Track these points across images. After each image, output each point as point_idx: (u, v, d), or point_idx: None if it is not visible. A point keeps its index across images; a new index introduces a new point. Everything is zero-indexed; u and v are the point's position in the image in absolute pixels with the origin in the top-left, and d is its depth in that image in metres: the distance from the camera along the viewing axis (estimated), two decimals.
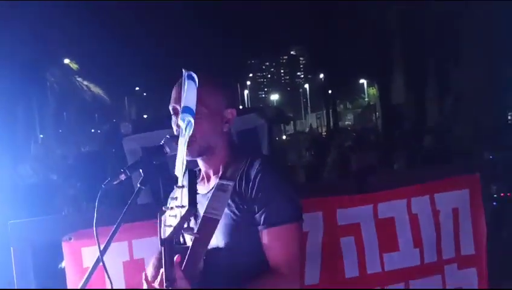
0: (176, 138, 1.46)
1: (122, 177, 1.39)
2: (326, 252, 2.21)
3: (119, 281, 1.96)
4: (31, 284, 2.01)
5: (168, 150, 1.46)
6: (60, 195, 7.25)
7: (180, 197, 1.34)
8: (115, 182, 1.39)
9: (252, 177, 1.49)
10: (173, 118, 1.53)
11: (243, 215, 1.49)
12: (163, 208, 1.39)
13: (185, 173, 1.37)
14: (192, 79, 1.43)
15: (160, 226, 1.38)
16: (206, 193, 1.56)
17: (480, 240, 2.39)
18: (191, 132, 1.40)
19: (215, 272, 1.48)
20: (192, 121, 1.39)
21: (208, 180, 1.60)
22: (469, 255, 2.38)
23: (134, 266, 1.99)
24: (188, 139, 1.40)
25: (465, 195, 2.38)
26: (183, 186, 1.34)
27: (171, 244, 1.34)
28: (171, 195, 1.44)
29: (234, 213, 1.50)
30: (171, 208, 1.36)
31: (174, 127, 1.53)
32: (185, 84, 1.42)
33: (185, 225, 1.33)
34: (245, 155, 1.57)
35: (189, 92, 1.40)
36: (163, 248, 1.33)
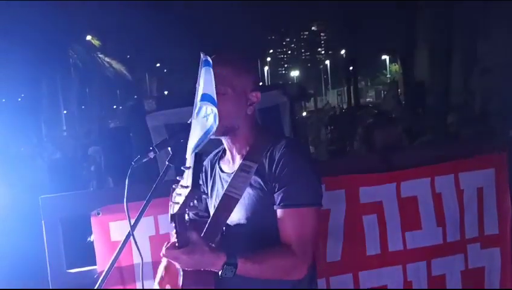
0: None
1: (151, 155, 1.42)
2: (348, 229, 2.23)
3: (146, 255, 2.02)
4: (61, 257, 2.09)
5: None
6: (85, 170, 7.42)
7: (186, 177, 1.38)
8: (144, 160, 1.42)
9: (276, 159, 1.51)
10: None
11: (265, 195, 1.52)
12: (173, 186, 1.43)
13: (195, 155, 1.39)
14: (209, 64, 1.43)
15: (170, 201, 1.44)
16: (231, 173, 1.59)
17: (505, 220, 2.37)
18: (216, 123, 1.40)
19: (233, 245, 1.51)
20: (215, 110, 1.40)
21: (233, 160, 1.62)
22: (493, 235, 2.37)
23: (160, 241, 2.03)
24: (208, 127, 1.41)
25: (491, 174, 2.35)
26: (189, 168, 1.37)
27: (181, 218, 1.38)
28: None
29: (257, 193, 1.53)
30: (180, 186, 1.40)
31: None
32: (201, 70, 1.42)
33: (191, 204, 1.37)
34: (270, 137, 1.59)
35: (206, 79, 1.40)
36: (173, 223, 1.38)
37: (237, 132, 1.57)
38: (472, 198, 2.34)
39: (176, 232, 1.38)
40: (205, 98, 1.39)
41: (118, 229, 2.05)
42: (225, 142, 1.63)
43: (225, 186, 1.58)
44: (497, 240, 2.38)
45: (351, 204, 2.23)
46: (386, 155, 2.37)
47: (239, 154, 1.61)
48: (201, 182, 1.70)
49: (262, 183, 1.52)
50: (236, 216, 1.56)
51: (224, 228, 1.56)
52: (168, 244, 1.42)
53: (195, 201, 1.40)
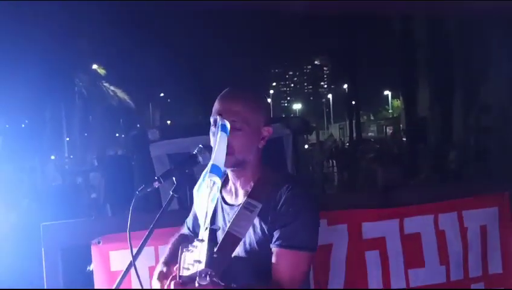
0: (209, 148, 1.49)
1: (156, 184, 1.42)
2: (350, 265, 2.21)
3: (145, 286, 1.99)
4: (59, 285, 2.06)
5: (200, 159, 1.49)
6: (85, 197, 7.40)
7: (198, 250, 1.34)
8: (148, 189, 1.42)
9: (280, 201, 1.52)
10: (212, 128, 1.56)
11: (265, 237, 1.52)
12: (184, 249, 1.40)
13: (207, 228, 1.38)
14: (226, 131, 1.47)
15: (179, 264, 1.40)
16: (233, 206, 1.59)
17: (509, 259, 2.35)
18: (217, 191, 1.43)
19: (230, 279, 1.49)
20: (219, 183, 1.43)
21: (237, 194, 1.62)
22: (497, 274, 2.34)
23: None
24: (213, 196, 1.43)
25: (494, 213, 2.34)
26: (202, 241, 1.34)
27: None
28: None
29: (257, 234, 1.54)
30: (192, 257, 1.35)
31: (212, 138, 1.55)
32: (217, 134, 1.46)
33: (202, 276, 1.27)
34: (275, 176, 1.59)
35: (220, 147, 1.44)
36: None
37: (246, 165, 1.58)
38: (475, 236, 2.32)
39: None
40: (213, 170, 1.42)
41: (118, 258, 2.03)
42: (231, 174, 1.62)
43: (227, 219, 1.58)
44: (501, 280, 2.34)
45: (354, 239, 2.21)
46: (389, 191, 2.37)
47: (243, 189, 1.60)
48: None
49: (263, 225, 1.53)
50: (236, 251, 1.56)
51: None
52: (171, 282, 1.37)
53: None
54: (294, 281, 1.49)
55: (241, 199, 1.58)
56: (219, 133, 1.45)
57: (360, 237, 2.22)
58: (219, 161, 1.44)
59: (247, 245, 1.54)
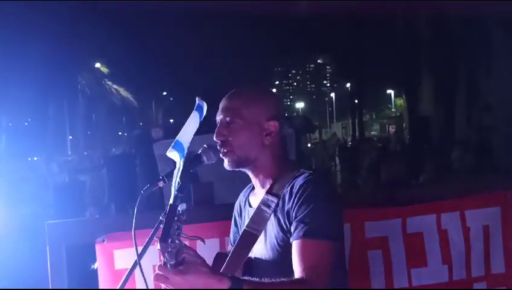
0: (214, 149, 1.50)
1: (161, 184, 1.42)
2: (353, 264, 2.21)
3: (150, 284, 2.00)
4: (64, 283, 2.07)
5: (205, 159, 1.49)
6: (88, 195, 7.42)
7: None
8: (153, 189, 1.43)
9: (294, 192, 1.47)
10: (217, 128, 1.57)
11: (284, 232, 1.48)
12: (161, 218, 1.34)
13: (169, 207, 1.32)
14: (200, 110, 1.44)
15: None
16: (254, 207, 1.58)
17: (511, 258, 2.35)
18: (180, 168, 1.37)
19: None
20: (178, 160, 1.38)
21: (259, 193, 1.61)
22: (499, 274, 2.34)
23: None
24: (181, 168, 1.38)
25: (497, 213, 2.34)
26: (161, 221, 1.31)
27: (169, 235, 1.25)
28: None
29: (277, 229, 1.51)
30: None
31: (215, 138, 1.56)
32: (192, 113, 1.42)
33: (165, 256, 1.24)
34: (292, 169, 1.56)
35: (189, 125, 1.42)
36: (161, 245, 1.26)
37: (257, 163, 1.55)
38: (478, 236, 2.33)
39: (165, 251, 1.24)
40: (176, 146, 1.39)
41: (123, 257, 2.04)
42: (249, 175, 1.61)
43: (247, 221, 1.57)
44: (504, 279, 2.35)
45: (357, 238, 2.22)
46: (392, 190, 2.38)
47: (262, 187, 1.58)
48: (237, 216, 1.70)
49: (282, 220, 1.49)
50: (258, 251, 1.54)
51: (247, 262, 1.54)
52: (158, 265, 1.29)
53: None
54: (318, 275, 1.36)
55: (261, 197, 1.57)
56: (193, 112, 1.42)
57: (363, 236, 2.23)
58: (184, 138, 1.40)
59: (268, 243, 1.52)
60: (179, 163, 1.39)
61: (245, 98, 1.56)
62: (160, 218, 1.33)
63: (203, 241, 1.37)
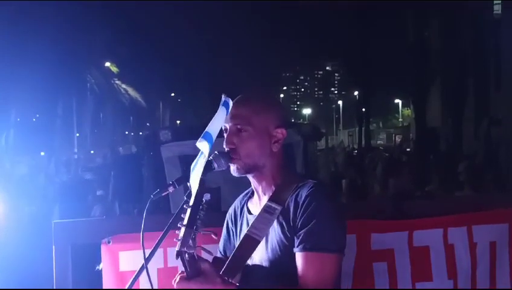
0: (224, 155, 1.50)
1: (171, 189, 1.43)
2: (357, 275, 2.20)
3: (154, 287, 2.00)
4: (68, 282, 2.07)
5: (215, 165, 1.50)
6: (93, 195, 7.43)
7: (186, 216, 1.38)
8: (163, 194, 1.43)
9: (301, 201, 1.49)
10: (224, 134, 1.57)
11: (287, 239, 1.49)
12: (178, 224, 1.41)
13: (196, 194, 1.40)
14: (227, 105, 1.53)
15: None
16: (255, 214, 1.59)
17: None
18: (205, 158, 1.47)
19: (253, 286, 1.49)
20: (207, 149, 1.46)
21: (260, 200, 1.61)
22: None
23: (168, 273, 2.03)
24: (206, 160, 1.47)
25: (504, 229, 2.32)
26: (189, 207, 1.38)
27: (187, 253, 1.36)
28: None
29: (279, 236, 1.51)
30: (181, 224, 1.40)
31: (225, 145, 1.56)
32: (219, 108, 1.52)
33: (190, 242, 1.35)
34: (296, 178, 1.58)
35: (217, 119, 1.51)
36: (179, 258, 1.37)
37: (263, 170, 1.57)
38: (485, 252, 2.31)
39: (184, 265, 1.36)
40: (205, 136, 1.49)
41: (128, 259, 2.04)
42: (252, 181, 1.62)
43: (248, 226, 1.57)
44: None
45: (362, 250, 2.20)
46: (398, 201, 2.36)
47: (265, 194, 1.59)
48: (230, 224, 1.70)
49: (285, 227, 1.50)
50: (258, 257, 1.55)
51: (245, 268, 1.55)
52: (178, 277, 1.39)
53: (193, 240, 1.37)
54: (323, 287, 1.41)
55: (263, 204, 1.58)
56: (220, 107, 1.52)
57: (369, 248, 2.21)
58: (213, 130, 1.50)
59: (269, 249, 1.53)
60: (207, 152, 1.48)
61: (254, 105, 1.57)
62: (184, 206, 1.39)
63: (215, 235, 1.44)
